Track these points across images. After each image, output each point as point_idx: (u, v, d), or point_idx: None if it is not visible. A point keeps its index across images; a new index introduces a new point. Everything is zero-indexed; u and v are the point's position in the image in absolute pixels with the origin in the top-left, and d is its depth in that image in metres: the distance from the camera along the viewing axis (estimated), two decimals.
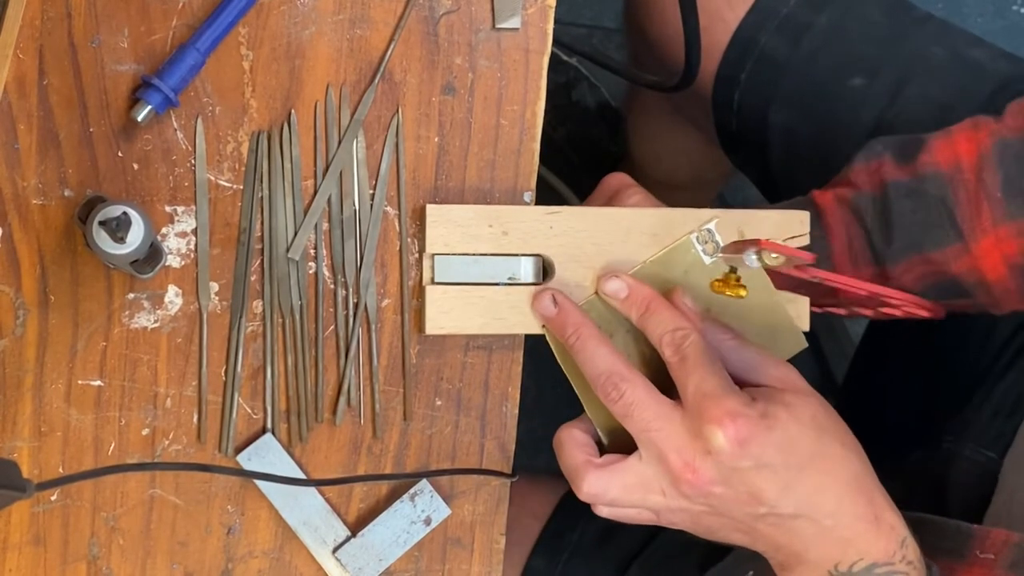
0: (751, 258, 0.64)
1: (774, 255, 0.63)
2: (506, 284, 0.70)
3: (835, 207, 0.76)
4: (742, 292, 0.67)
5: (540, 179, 0.76)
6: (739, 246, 0.67)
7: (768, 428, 0.62)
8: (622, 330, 0.70)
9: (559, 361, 0.69)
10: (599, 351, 0.66)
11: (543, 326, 0.70)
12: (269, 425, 0.72)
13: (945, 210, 0.73)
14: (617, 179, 0.80)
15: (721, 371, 0.64)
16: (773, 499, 0.62)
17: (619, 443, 0.67)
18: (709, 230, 0.71)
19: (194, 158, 0.71)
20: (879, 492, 0.65)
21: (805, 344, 0.73)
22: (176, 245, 0.71)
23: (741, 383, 0.66)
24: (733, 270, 0.68)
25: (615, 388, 0.64)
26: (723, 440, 0.61)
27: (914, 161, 0.75)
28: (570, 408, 0.70)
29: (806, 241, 0.73)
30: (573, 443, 0.67)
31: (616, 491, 0.65)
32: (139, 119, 0.68)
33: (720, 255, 0.70)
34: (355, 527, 0.73)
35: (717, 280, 0.69)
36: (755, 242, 0.64)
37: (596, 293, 0.70)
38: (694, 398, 0.63)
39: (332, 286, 0.72)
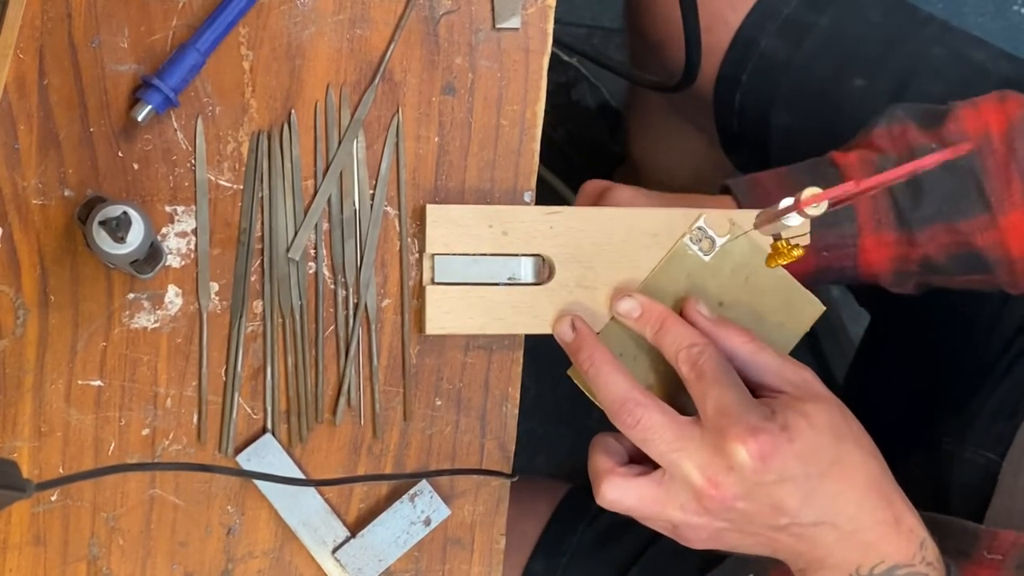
0: (793, 219, 0.62)
1: (815, 206, 0.60)
2: (506, 284, 0.70)
3: (859, 168, 0.75)
4: (797, 252, 0.65)
5: (540, 179, 0.76)
6: (774, 215, 0.64)
7: (789, 440, 0.62)
8: (643, 352, 0.70)
9: (584, 391, 0.69)
10: (613, 378, 0.65)
11: (567, 372, 0.69)
12: (269, 425, 0.72)
13: (974, 180, 0.73)
14: (596, 183, 0.80)
15: (738, 385, 0.64)
16: (795, 509, 0.63)
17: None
18: (701, 228, 0.71)
19: (194, 158, 0.71)
20: (898, 494, 0.65)
21: (823, 308, 0.72)
22: (176, 245, 0.71)
23: (759, 386, 0.66)
24: (777, 238, 0.67)
25: (630, 415, 0.64)
26: (746, 456, 0.61)
27: (940, 129, 0.74)
28: (570, 408, 0.70)
29: (807, 241, 0.73)
30: (603, 448, 0.67)
31: (632, 501, 0.65)
32: (139, 119, 0.68)
33: (758, 229, 0.66)
34: (355, 527, 0.73)
35: (769, 255, 0.66)
36: (795, 205, 0.61)
37: (613, 318, 0.70)
38: (714, 415, 0.63)
39: (332, 286, 0.72)
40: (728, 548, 0.66)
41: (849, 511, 0.63)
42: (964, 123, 0.74)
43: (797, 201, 0.60)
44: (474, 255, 0.70)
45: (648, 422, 0.64)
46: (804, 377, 0.66)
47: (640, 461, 0.67)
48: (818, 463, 0.62)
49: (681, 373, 0.65)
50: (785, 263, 0.65)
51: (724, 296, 0.71)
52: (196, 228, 0.71)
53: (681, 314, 0.69)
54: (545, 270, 0.71)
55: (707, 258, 0.71)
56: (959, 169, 0.73)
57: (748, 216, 0.71)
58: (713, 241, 0.71)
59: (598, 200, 0.78)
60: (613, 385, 0.65)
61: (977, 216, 0.73)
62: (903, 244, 0.75)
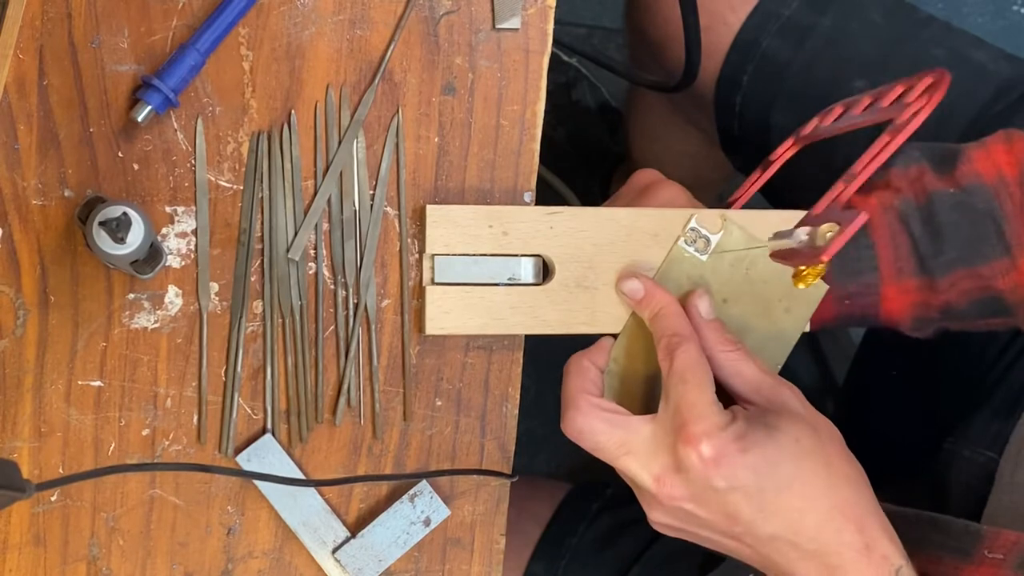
0: (800, 238, 0.61)
1: (829, 234, 0.60)
2: (506, 284, 0.70)
3: (880, 213, 0.75)
4: (820, 267, 0.64)
5: (540, 179, 0.76)
6: (789, 253, 0.64)
7: (742, 450, 0.61)
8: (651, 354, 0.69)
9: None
10: (569, 381, 0.66)
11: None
12: (269, 425, 0.72)
13: (994, 224, 0.73)
14: (647, 174, 0.79)
15: (705, 386, 0.63)
16: (748, 519, 0.62)
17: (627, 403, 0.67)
18: (694, 228, 0.71)
19: (194, 158, 0.71)
20: (873, 520, 0.63)
21: (825, 287, 0.72)
22: (176, 245, 0.71)
23: (734, 397, 0.66)
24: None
25: (570, 425, 0.65)
26: (695, 459, 0.61)
27: (953, 171, 0.74)
28: None
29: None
30: (578, 371, 0.67)
31: (601, 437, 0.64)
32: (139, 119, 0.68)
33: (777, 260, 0.66)
34: (355, 528, 0.73)
35: (794, 278, 0.64)
36: (818, 252, 0.60)
37: (625, 325, 0.70)
38: (673, 411, 0.62)
39: (332, 286, 0.72)
40: (701, 543, 0.66)
41: (809, 531, 0.62)
42: (976, 164, 0.74)
43: (816, 248, 0.60)
44: (474, 255, 0.70)
45: (593, 436, 0.64)
46: (780, 393, 0.65)
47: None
48: (775, 478, 0.61)
49: (659, 358, 0.65)
50: (814, 280, 0.64)
51: (727, 292, 0.71)
52: (196, 228, 0.71)
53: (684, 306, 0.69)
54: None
55: (704, 257, 0.71)
56: (978, 213, 0.73)
57: (739, 214, 0.71)
58: (708, 240, 0.71)
59: (641, 192, 0.78)
60: (565, 388, 0.65)
61: (998, 259, 0.73)
62: (924, 291, 0.74)
